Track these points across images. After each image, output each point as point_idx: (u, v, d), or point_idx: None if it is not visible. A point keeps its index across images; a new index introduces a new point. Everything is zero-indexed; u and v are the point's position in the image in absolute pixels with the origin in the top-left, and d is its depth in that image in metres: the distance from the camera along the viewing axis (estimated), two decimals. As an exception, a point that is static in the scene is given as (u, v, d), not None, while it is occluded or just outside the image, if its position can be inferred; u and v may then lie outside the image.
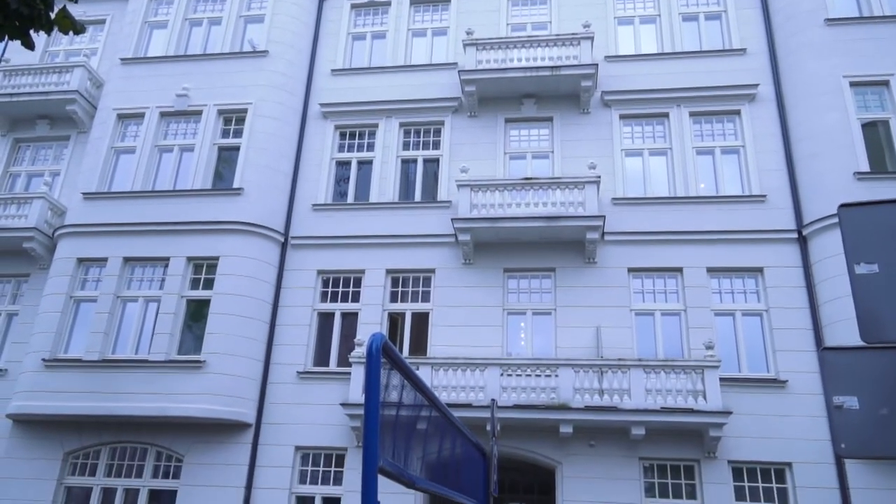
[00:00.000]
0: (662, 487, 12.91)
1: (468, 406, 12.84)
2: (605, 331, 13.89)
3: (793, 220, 14.23)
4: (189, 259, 15.32)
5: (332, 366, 14.80)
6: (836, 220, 12.22)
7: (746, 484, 12.64)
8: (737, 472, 12.71)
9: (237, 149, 16.42)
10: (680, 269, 14.30)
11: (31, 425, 14.70)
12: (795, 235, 14.05)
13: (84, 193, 16.26)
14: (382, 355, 4.45)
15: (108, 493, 14.31)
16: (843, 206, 3.42)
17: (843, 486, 12.12)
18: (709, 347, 12.66)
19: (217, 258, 15.19)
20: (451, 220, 14.83)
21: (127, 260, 15.53)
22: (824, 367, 3.23)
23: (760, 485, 12.61)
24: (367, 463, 4.15)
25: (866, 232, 3.27)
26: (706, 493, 12.54)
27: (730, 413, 12.18)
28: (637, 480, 12.83)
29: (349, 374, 13.88)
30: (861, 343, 3.09)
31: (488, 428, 9.88)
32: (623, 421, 12.52)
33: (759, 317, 13.81)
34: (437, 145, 16.67)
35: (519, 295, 14.97)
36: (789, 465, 12.50)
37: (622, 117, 16.01)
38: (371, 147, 16.88)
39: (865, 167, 13.63)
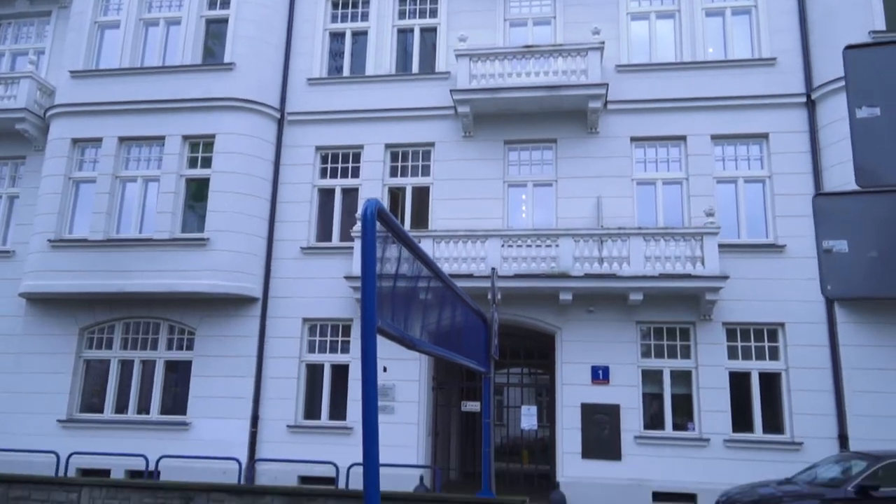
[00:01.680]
0: (658, 349, 13.43)
1: (470, 276, 13.09)
2: (606, 201, 13.92)
3: (802, 83, 13.85)
4: (185, 138, 15.12)
5: (335, 241, 14.98)
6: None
7: (739, 344, 13.13)
8: (730, 333, 13.16)
9: (225, 21, 15.76)
10: (683, 138, 14.10)
11: (44, 303, 15.14)
12: (804, 100, 13.73)
13: (71, 72, 15.80)
14: (378, 220, 4.50)
15: (125, 365, 14.98)
16: (848, 47, 3.30)
17: (833, 343, 12.59)
18: (709, 214, 12.72)
19: (213, 136, 14.99)
20: (450, 91, 14.46)
21: (122, 140, 15.34)
22: (817, 213, 3.24)
23: (753, 344, 13.10)
24: (366, 323, 4.28)
25: (871, 75, 3.18)
26: (700, 353, 13.06)
27: (727, 277, 12.44)
28: (634, 343, 13.33)
29: (351, 248, 14.08)
30: (854, 188, 3.09)
31: (489, 296, 10.17)
32: (622, 287, 12.82)
33: (762, 183, 13.77)
34: (434, 13, 15.95)
35: (520, 167, 14.87)
36: (782, 325, 12.92)
37: (628, -24, 15.21)
38: (365, 17, 16.18)
39: (882, 25, 13.09)
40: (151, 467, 12.80)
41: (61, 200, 15.22)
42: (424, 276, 6.37)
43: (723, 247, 12.87)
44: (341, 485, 12.80)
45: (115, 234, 14.99)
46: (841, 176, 12.62)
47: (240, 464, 12.13)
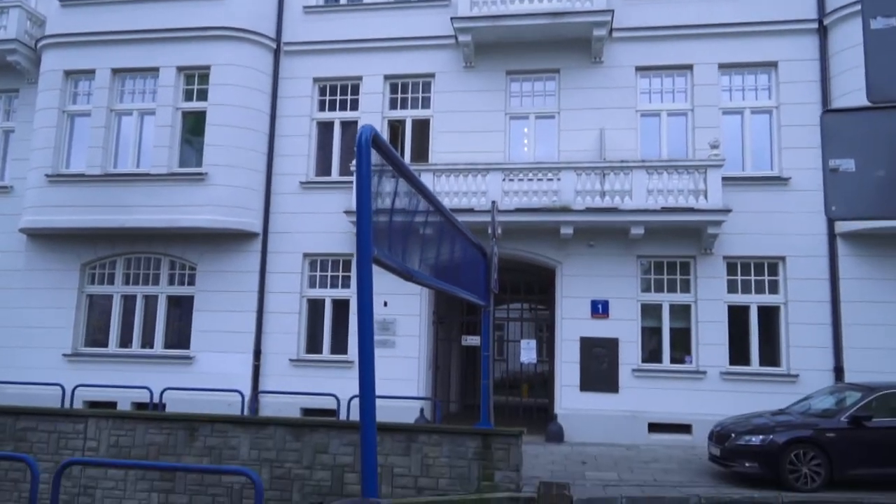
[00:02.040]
0: (658, 283, 13.41)
1: (470, 211, 12.96)
2: (609, 133, 13.64)
3: (815, 8, 13.34)
4: (179, 69, 14.75)
5: (335, 175, 14.80)
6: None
7: (739, 278, 13.10)
8: (731, 267, 13.11)
9: (216, -55, 15.15)
10: (690, 67, 13.69)
11: (45, 239, 15.10)
12: (815, 25, 13.25)
13: (61, 0, 15.32)
14: (373, 147, 4.34)
15: (128, 300, 15.05)
16: (864, -48, 3.08)
17: (833, 277, 12.54)
18: (714, 146, 12.47)
19: (208, 67, 14.61)
20: (451, 19, 13.99)
21: (115, 71, 14.97)
22: (824, 132, 3.10)
23: (753, 278, 13.07)
24: (361, 253, 4.19)
25: (887, -20, 2.98)
26: (699, 287, 13.04)
27: (729, 211, 12.30)
28: (634, 277, 13.29)
29: (351, 182, 13.88)
30: (865, 105, 2.93)
31: (490, 230, 10.07)
32: (623, 221, 12.69)
33: (769, 114, 13.45)
34: (433, -65, 15.30)
35: (522, 98, 14.52)
36: (783, 259, 12.85)
37: None
38: (362, -61, 15.54)
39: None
40: (156, 400, 12.99)
41: (56, 134, 15.00)
42: (423, 208, 6.27)
43: (726, 179, 12.67)
44: (342, 416, 13.03)
45: (113, 169, 14.82)
46: (851, 105, 12.28)
47: (242, 396, 12.32)
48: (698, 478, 9.75)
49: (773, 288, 12.99)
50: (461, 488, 8.90)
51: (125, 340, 14.93)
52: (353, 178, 13.03)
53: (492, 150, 14.05)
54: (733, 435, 9.44)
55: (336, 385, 13.38)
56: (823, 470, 8.86)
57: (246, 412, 13.79)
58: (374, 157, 4.58)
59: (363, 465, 3.85)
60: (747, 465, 9.13)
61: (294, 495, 9.30)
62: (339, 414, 11.87)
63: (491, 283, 9.64)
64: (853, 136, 3.01)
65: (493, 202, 10.24)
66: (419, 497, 8.90)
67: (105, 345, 14.95)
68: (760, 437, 9.16)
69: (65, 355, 14.70)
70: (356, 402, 12.17)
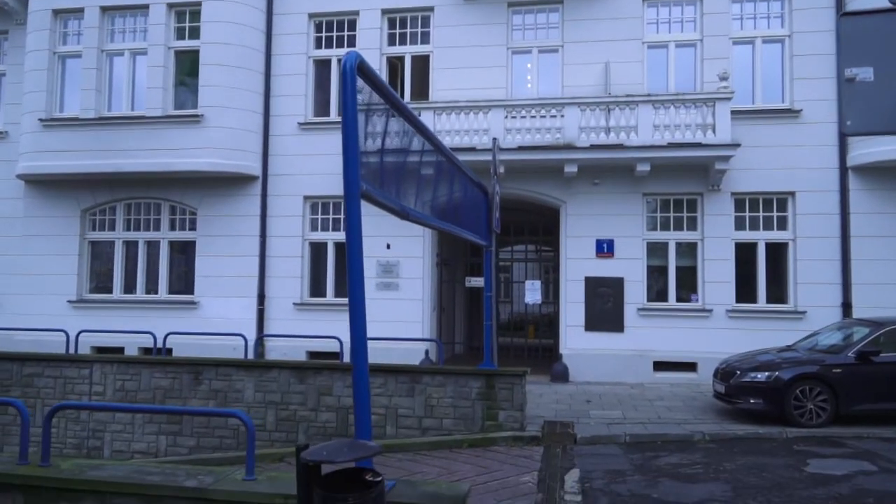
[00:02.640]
0: (664, 221, 13.19)
1: (472, 149, 12.66)
2: (615, 66, 13.18)
3: (832, -71, 12.70)
4: (170, 6, 14.26)
5: (333, 115, 14.45)
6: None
7: (747, 214, 12.86)
8: (739, 204, 12.86)
9: None
10: (700, -6, 13.16)
11: (43, 185, 14.92)
12: (832, -52, 12.65)
13: (43, -65, 14.74)
14: (359, 75, 4.10)
15: (130, 246, 14.97)
16: None
17: (844, 211, 12.29)
18: (723, 78, 12.04)
19: (199, 4, 14.11)
20: (449, -52, 13.41)
21: (105, 9, 14.49)
22: (841, 37, 2.80)
23: (761, 215, 12.82)
24: (349, 187, 4.00)
25: None
26: (706, 225, 12.82)
27: (738, 146, 11.96)
28: (640, 215, 13.07)
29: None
30: (887, 6, 2.66)
31: (491, 169, 9.82)
32: (628, 158, 12.38)
33: (781, 43, 12.94)
34: None
35: (524, 32, 14.00)
36: (792, 194, 12.58)
37: None
38: None
39: None
40: (160, 345, 13.01)
41: (48, 77, 14.64)
42: (418, 145, 6.04)
43: (736, 113, 12.30)
44: (346, 359, 13.07)
45: (107, 112, 14.52)
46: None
47: (245, 340, 12.30)
48: (703, 415, 9.76)
49: (782, 224, 12.76)
50: (465, 428, 8.94)
51: (129, 287, 14.92)
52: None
53: (494, 86, 13.64)
54: (738, 372, 9.39)
55: (341, 328, 13.04)
56: (829, 406, 8.82)
57: (251, 356, 13.88)
58: (366, 94, 4.37)
59: (356, 408, 3.76)
60: (752, 401, 9.10)
61: (300, 436, 9.38)
62: (342, 356, 11.87)
63: (493, 222, 9.44)
64: (873, 42, 2.72)
65: (494, 139, 9.95)
66: (424, 437, 8.95)
67: (109, 291, 14.95)
68: (766, 373, 9.10)
69: (70, 302, 14.72)
70: (335, 343, 12.28)
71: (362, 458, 2.55)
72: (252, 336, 13.69)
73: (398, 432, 9.11)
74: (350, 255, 3.86)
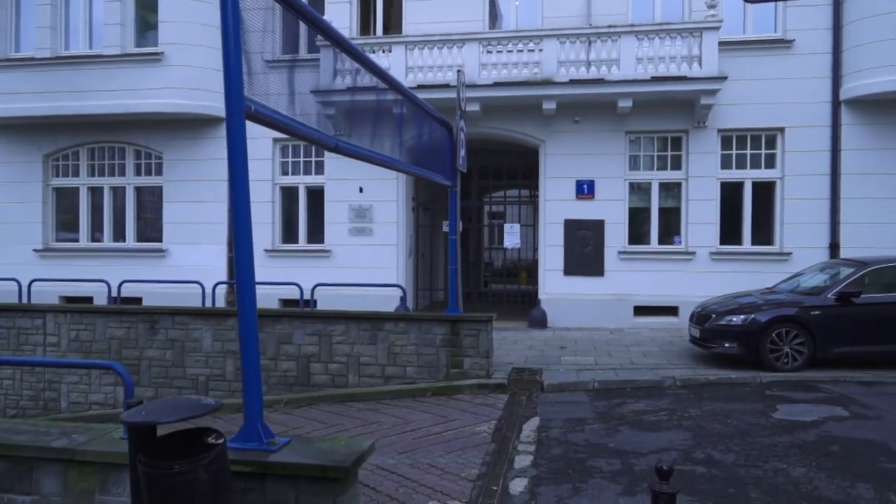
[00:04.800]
0: (647, 160, 12.70)
1: (446, 86, 12.06)
2: (598, -5, 12.50)
3: None
4: (123, -67, 13.50)
5: (302, 52, 13.80)
6: None
7: (734, 152, 12.36)
8: (725, 141, 12.36)
9: None
10: (689, -84, 12.34)
11: (1, 130, 14.40)
12: None
13: None
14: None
15: (95, 192, 14.53)
16: None
17: (835, 148, 11.79)
18: (711, 6, 11.37)
19: (154, -71, 13.35)
20: None
21: (56, -60, 13.73)
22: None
23: (748, 152, 12.33)
24: (231, 102, 3.55)
25: None
26: (691, 164, 12.34)
27: (725, 78, 11.37)
28: (622, 154, 12.57)
29: (318, 60, 12.95)
30: None
31: (457, 103, 9.29)
32: (610, 93, 11.82)
33: (774, -31, 12.24)
34: None
35: (502, -41, 13.27)
36: (781, 130, 12.05)
37: None
38: None
39: None
40: (116, 293, 12.67)
41: (1, 16, 13.97)
42: (348, 66, 5.58)
43: (724, 44, 11.69)
44: (321, 306, 12.83)
45: (64, 51, 13.91)
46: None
47: (203, 287, 11.94)
48: (678, 360, 9.49)
49: (770, 162, 12.28)
50: (429, 376, 8.70)
51: (96, 234, 14.56)
52: (321, 55, 12.22)
53: (470, 19, 12.97)
54: (714, 315, 9.07)
55: (314, 275, 13.02)
56: (806, 349, 8.53)
57: (220, 304, 13.62)
58: None
59: (244, 365, 3.42)
60: (727, 345, 8.81)
61: (260, 386, 9.15)
62: (301, 303, 11.58)
63: (458, 161, 8.98)
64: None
65: (459, 71, 9.40)
66: (386, 386, 8.71)
67: (76, 240, 14.59)
68: (742, 316, 8.78)
69: (35, 251, 14.38)
70: (320, 290, 12.01)
71: (192, 418, 2.20)
72: (211, 283, 13.35)
73: (360, 381, 8.88)
74: (234, 188, 3.47)
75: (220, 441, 2.30)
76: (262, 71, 4.10)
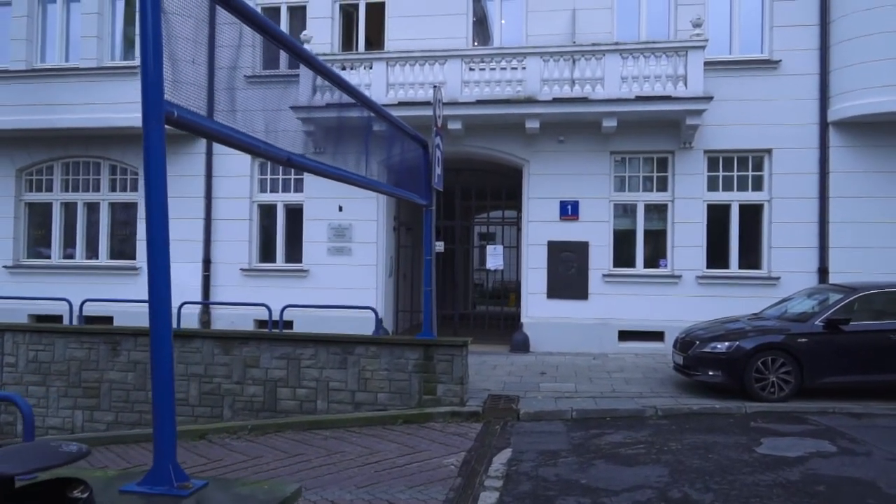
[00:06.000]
0: (632, 181, 12.45)
1: (427, 104, 11.76)
2: (582, 14, 12.31)
3: None
4: (101, -58, 13.29)
5: (282, 67, 13.57)
6: None
7: (721, 174, 12.12)
8: (712, 163, 12.12)
9: None
10: (675, -65, 12.22)
11: (-27, 143, 14.10)
12: None
13: None
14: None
15: (69, 208, 14.18)
16: None
17: (823, 170, 11.57)
18: (696, 25, 11.21)
19: (133, -57, 13.16)
20: None
21: (34, -47, 13.52)
22: None
23: (735, 174, 12.09)
24: (148, 104, 3.24)
25: None
26: (677, 185, 12.09)
27: (710, 98, 11.17)
28: (607, 175, 12.32)
29: (299, 74, 12.71)
30: None
31: (437, 122, 9.01)
32: (594, 112, 11.58)
33: (761, -12, 12.11)
34: None
35: (487, -24, 13.10)
36: (769, 151, 11.83)
37: None
38: None
39: None
40: (104, 313, 12.29)
41: (-24, 27, 13.75)
42: (319, 82, 5.28)
43: (710, 64, 11.51)
44: (297, 328, 12.46)
45: (40, 64, 13.64)
46: None
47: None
48: (661, 388, 9.14)
49: (757, 184, 12.04)
50: (401, 403, 8.32)
51: (68, 251, 14.17)
52: (301, 70, 11.96)
53: (453, 36, 12.77)
54: (698, 342, 8.74)
55: (291, 295, 12.67)
56: (793, 378, 8.19)
57: (198, 325, 13.25)
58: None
59: (154, 397, 3.08)
60: (711, 373, 8.46)
61: (225, 411, 8.75)
62: (269, 325, 11.19)
63: (433, 179, 8.68)
64: None
65: (435, 87, 9.13)
66: (356, 412, 8.33)
67: (48, 256, 14.20)
68: (726, 343, 8.45)
69: (6, 267, 13.98)
70: (297, 312, 11.62)
71: (48, 468, 1.85)
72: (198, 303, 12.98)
73: (329, 407, 8.49)
74: (150, 200, 3.15)
75: (86, 496, 1.95)
76: (198, 82, 3.78)
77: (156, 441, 3.02)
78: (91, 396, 9.09)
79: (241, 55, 12.62)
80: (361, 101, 6.70)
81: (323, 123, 12.02)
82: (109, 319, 12.88)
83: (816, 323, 8.34)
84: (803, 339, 8.27)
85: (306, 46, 11.95)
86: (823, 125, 11.58)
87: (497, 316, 14.68)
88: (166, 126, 3.30)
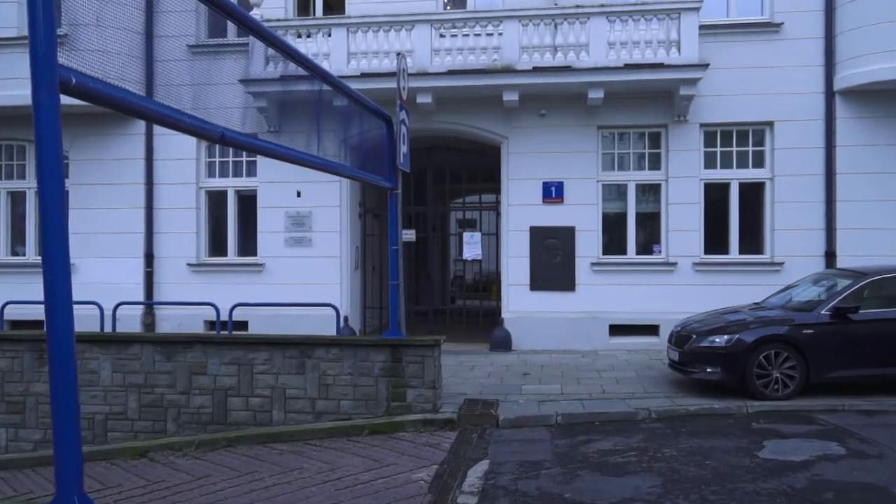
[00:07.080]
0: (622, 159, 12.43)
1: (392, 75, 11.62)
2: (565, -27, 12.22)
3: None
4: None
5: (230, 36, 13.30)
6: None
7: (718, 150, 12.14)
8: (709, 137, 12.14)
9: None
10: None
11: None
12: None
13: None
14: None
15: (-11, 199, 13.86)
16: None
17: (829, 144, 11.62)
18: (690, -16, 11.16)
19: None
20: None
21: None
22: None
23: (734, 149, 12.12)
24: (38, 70, 3.02)
25: None
26: (671, 163, 12.09)
27: (706, 66, 11.14)
28: (594, 152, 12.28)
29: (248, 45, 12.47)
30: None
31: (398, 92, 8.86)
32: (579, 82, 11.50)
33: (760, -57, 12.09)
34: None
35: (458, -68, 12.94)
36: (770, 124, 11.86)
37: None
38: None
39: None
40: (32, 317, 11.92)
41: None
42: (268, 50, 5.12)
43: (706, 28, 11.48)
44: (253, 329, 12.31)
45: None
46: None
47: (101, 308, 11.16)
48: (655, 388, 9.13)
49: (758, 160, 12.08)
50: (367, 411, 8.21)
51: (-9, 247, 13.86)
52: (250, 40, 11.72)
53: (422, -1, 12.63)
54: (694, 336, 8.72)
55: (245, 292, 12.51)
56: (798, 374, 8.20)
57: (141, 328, 13.02)
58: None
59: (55, 441, 2.92)
60: (709, 370, 8.44)
61: (168, 425, 8.58)
62: (218, 327, 10.96)
63: (398, 158, 8.53)
64: None
65: (399, 54, 8.96)
66: (317, 423, 8.21)
67: (-32, 253, 13.87)
68: (725, 336, 8.42)
69: (-81, 266, 13.63)
70: (253, 311, 11.43)
71: None
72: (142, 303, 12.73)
73: (287, 417, 8.36)
74: (43, 183, 2.96)
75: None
76: (109, 48, 3.60)
77: (57, 469, 2.88)
78: (15, 412, 8.87)
79: (170, 21, 12.39)
80: (316, 72, 6.54)
81: (276, 98, 11.82)
82: (37, 324, 12.57)
83: (823, 312, 8.35)
84: (809, 331, 8.27)
85: (256, 11, 11.78)
86: (829, 94, 11.62)
87: (474, 312, 14.57)
88: (72, 99, 3.09)
